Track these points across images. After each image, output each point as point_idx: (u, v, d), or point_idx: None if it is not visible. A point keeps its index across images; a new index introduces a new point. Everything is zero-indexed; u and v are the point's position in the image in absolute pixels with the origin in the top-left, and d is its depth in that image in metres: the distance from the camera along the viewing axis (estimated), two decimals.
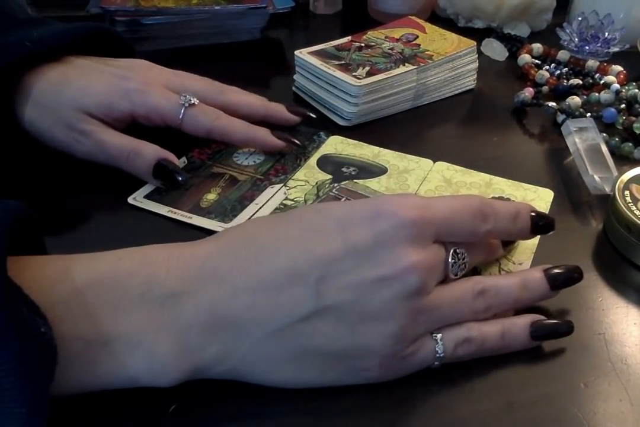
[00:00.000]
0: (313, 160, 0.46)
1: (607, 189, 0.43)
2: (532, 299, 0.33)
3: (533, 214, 0.33)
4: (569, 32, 0.63)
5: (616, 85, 0.54)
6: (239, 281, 0.27)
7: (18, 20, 0.45)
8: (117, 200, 0.42)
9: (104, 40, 0.46)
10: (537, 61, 0.62)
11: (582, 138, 0.47)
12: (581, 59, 0.61)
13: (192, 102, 0.43)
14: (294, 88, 0.56)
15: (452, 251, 0.30)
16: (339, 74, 0.50)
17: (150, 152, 0.42)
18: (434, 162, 0.46)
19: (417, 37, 0.57)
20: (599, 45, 0.62)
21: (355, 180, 0.44)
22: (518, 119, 0.54)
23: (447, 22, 0.69)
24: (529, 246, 0.38)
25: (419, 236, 0.28)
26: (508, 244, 0.36)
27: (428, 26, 0.59)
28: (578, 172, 0.46)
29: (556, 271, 0.33)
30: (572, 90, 0.56)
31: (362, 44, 0.55)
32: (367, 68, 0.51)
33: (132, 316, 0.26)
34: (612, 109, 0.51)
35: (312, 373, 0.29)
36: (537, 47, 0.63)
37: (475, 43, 0.56)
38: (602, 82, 0.56)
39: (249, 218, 0.40)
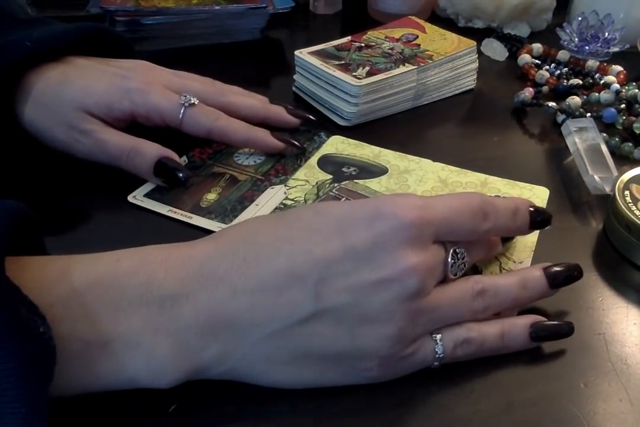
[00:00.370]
0: (313, 160, 0.46)
1: (607, 189, 0.43)
2: (532, 297, 0.32)
3: (531, 209, 0.33)
4: (569, 32, 0.63)
5: (616, 85, 0.54)
6: (238, 282, 0.27)
7: (18, 20, 0.44)
8: (117, 201, 0.42)
9: (104, 41, 0.46)
10: (537, 61, 0.62)
11: (582, 138, 0.47)
12: (581, 59, 0.61)
13: (192, 102, 0.43)
14: (294, 88, 0.56)
15: (451, 251, 0.30)
16: (339, 74, 0.50)
17: (151, 150, 0.41)
18: (435, 162, 0.46)
19: (417, 37, 0.57)
20: (599, 45, 0.62)
21: (355, 181, 0.44)
22: (518, 119, 0.54)
23: (447, 22, 0.69)
24: (528, 244, 0.38)
25: (418, 237, 0.28)
26: (507, 240, 0.36)
27: (428, 26, 0.59)
28: (578, 172, 0.46)
29: (556, 269, 0.33)
30: (572, 90, 0.56)
31: (362, 44, 0.55)
32: (367, 68, 0.51)
33: (131, 317, 0.26)
34: (612, 109, 0.51)
35: (311, 374, 0.29)
36: (537, 47, 0.63)
37: (475, 43, 0.56)
38: (602, 82, 0.56)
39: None
